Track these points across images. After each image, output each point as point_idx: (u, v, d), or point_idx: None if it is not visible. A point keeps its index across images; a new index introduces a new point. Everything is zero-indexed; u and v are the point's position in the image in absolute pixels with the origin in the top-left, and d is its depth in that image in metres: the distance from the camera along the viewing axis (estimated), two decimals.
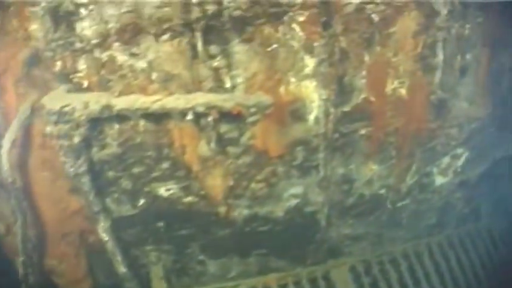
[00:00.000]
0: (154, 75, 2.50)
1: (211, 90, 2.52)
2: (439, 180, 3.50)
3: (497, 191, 4.19)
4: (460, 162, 3.51)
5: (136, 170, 2.76)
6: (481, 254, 3.99)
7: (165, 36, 2.43)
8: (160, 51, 2.45)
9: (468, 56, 3.12)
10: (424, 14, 2.71)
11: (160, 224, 3.05)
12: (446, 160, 3.42)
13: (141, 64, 2.47)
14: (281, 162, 2.89)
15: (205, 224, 3.09)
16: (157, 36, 2.42)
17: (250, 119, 2.50)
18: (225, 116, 2.56)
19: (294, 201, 3.11)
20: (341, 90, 2.70)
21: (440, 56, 2.91)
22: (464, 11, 2.95)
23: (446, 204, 3.75)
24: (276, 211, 3.13)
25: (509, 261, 4.12)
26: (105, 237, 2.94)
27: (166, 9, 2.37)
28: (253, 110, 2.47)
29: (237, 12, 2.42)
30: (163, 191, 2.87)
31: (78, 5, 2.35)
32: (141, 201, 2.90)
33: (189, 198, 2.93)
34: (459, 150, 3.43)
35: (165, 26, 2.39)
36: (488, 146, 3.68)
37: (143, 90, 2.52)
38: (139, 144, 2.67)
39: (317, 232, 3.34)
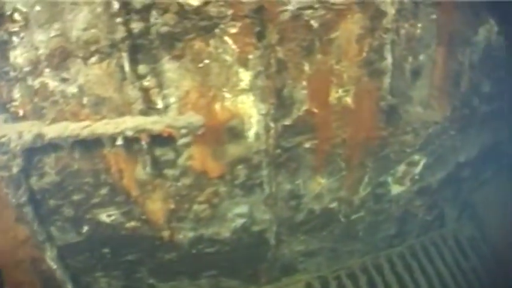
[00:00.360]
0: (85, 100, 2.68)
1: (142, 112, 2.70)
2: (396, 189, 3.76)
3: (462, 195, 4.49)
4: (418, 169, 3.76)
5: (76, 197, 2.96)
6: (449, 263, 4.29)
7: (94, 59, 2.60)
8: (90, 75, 2.62)
9: (421, 57, 3.32)
10: (369, 15, 2.85)
11: (106, 250, 3.27)
12: (401, 168, 3.67)
13: (72, 89, 2.65)
14: (222, 182, 3.10)
15: (151, 248, 3.32)
16: (85, 59, 2.59)
17: (182, 141, 2.69)
18: (158, 138, 2.75)
19: (240, 221, 3.34)
20: (281, 103, 2.86)
21: (388, 60, 3.06)
22: (415, 9, 3.15)
23: (406, 213, 4.02)
24: (222, 232, 3.36)
25: (479, 267, 4.43)
26: (53, 265, 3.16)
27: (93, 30, 2.54)
28: (184, 131, 2.64)
29: (165, 29, 2.58)
30: (104, 217, 3.09)
31: (11, 33, 2.52)
32: (85, 228, 3.11)
33: (132, 223, 3.15)
34: (416, 157, 3.68)
35: (93, 48, 2.56)
36: (449, 150, 3.94)
37: (75, 116, 2.70)
38: (77, 171, 2.87)
39: (268, 250, 3.59)
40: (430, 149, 3.73)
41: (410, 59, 3.25)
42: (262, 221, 3.36)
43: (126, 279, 3.47)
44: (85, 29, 2.53)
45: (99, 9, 2.49)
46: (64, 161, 2.81)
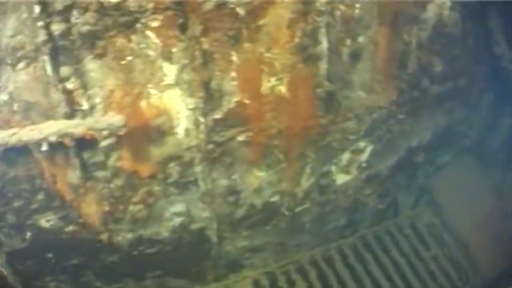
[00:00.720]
0: (15, 106, 3.00)
1: (66, 115, 3.00)
2: (341, 178, 4.14)
3: (418, 181, 4.89)
4: (364, 156, 4.15)
5: (16, 203, 3.31)
6: (406, 252, 4.67)
7: (21, 65, 2.92)
8: (19, 81, 2.95)
9: (361, 39, 3.56)
10: None
11: (50, 255, 3.64)
12: (346, 156, 4.04)
13: (3, 97, 2.99)
14: (155, 182, 3.43)
15: (92, 252, 3.67)
16: (13, 65, 2.92)
17: (104, 143, 2.96)
18: (84, 141, 3.04)
19: (178, 220, 3.69)
20: (209, 96, 3.15)
21: (324, 44, 3.33)
22: None
23: (355, 202, 4.41)
24: (161, 232, 3.71)
25: (441, 256, 4.79)
26: (4, 271, 3.54)
27: (19, 36, 2.86)
28: (105, 133, 2.87)
29: (86, 28, 2.88)
30: (44, 222, 3.43)
31: None
32: (28, 234, 3.47)
33: (71, 228, 3.49)
34: (361, 144, 4.06)
35: (20, 54, 2.89)
36: (398, 135, 4.32)
37: (7, 123, 3.00)
38: (14, 177, 3.20)
39: (210, 248, 3.96)
40: (376, 135, 4.10)
41: (348, 41, 3.49)
42: (201, 218, 3.71)
43: (73, 283, 3.84)
44: (12, 36, 2.86)
45: (24, 15, 2.81)
46: (1, 168, 3.14)
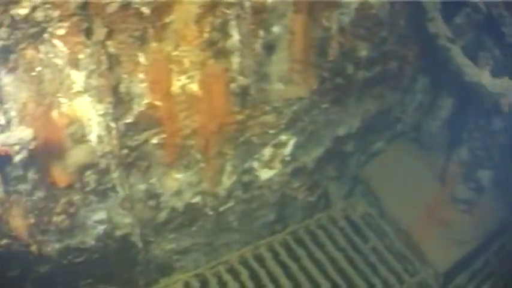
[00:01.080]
0: None
1: None
2: (265, 174, 4.72)
3: (349, 170, 5.49)
4: (288, 149, 4.72)
5: None
6: (342, 246, 5.13)
7: None
8: None
9: (275, 29, 3.90)
10: None
11: None
12: (268, 151, 4.61)
13: None
14: (74, 191, 3.88)
15: (27, 263, 4.06)
16: None
17: (18, 157, 3.16)
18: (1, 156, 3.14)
19: (101, 228, 4.22)
20: (119, 100, 3.49)
21: (235, 37, 3.67)
22: None
23: (283, 197, 4.99)
24: (87, 240, 4.22)
25: (381, 247, 5.29)
26: None
27: None
28: (17, 148, 3.12)
29: (0, 43, 2.98)
30: None
31: None
32: None
33: (4, 241, 3.84)
34: (283, 137, 4.62)
35: None
36: (323, 125, 4.86)
37: None
38: None
39: (138, 253, 4.54)
40: (299, 126, 4.66)
41: (261, 33, 3.84)
42: (124, 224, 4.26)
43: None
44: None
45: None
46: None
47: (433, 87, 5.54)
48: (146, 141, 3.87)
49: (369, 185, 5.52)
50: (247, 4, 3.60)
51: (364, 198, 5.56)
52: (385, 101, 5.36)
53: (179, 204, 4.40)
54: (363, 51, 4.67)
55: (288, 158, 4.77)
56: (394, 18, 4.68)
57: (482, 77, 4.23)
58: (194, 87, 3.78)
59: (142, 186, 4.10)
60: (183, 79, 3.71)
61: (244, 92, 4.05)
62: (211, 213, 4.63)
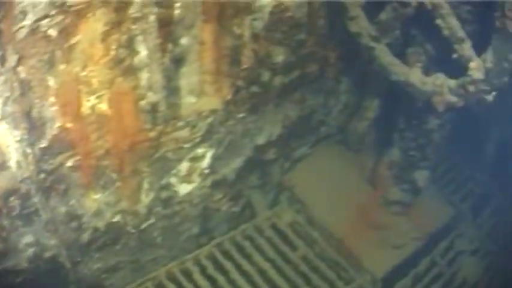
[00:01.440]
0: None
1: None
2: (184, 188, 5.39)
3: (272, 178, 6.17)
4: (205, 162, 5.37)
5: None
6: (270, 256, 5.60)
7: None
8: None
9: (184, 41, 4.29)
10: (113, 8, 3.57)
11: None
12: (185, 166, 5.24)
13: None
14: (2, 216, 4.18)
15: None
16: None
17: None
18: None
19: (31, 250, 4.72)
20: (32, 125, 3.80)
21: (142, 53, 4.01)
22: None
23: (206, 209, 5.64)
24: (21, 262, 4.67)
25: (312, 255, 5.69)
26: None
27: None
28: None
29: None
30: None
31: None
32: None
33: None
34: (199, 151, 5.23)
35: None
36: (241, 135, 5.40)
37: None
38: None
39: (67, 273, 5.16)
40: (215, 138, 5.26)
41: (169, 46, 4.22)
42: (50, 246, 4.78)
43: None
44: None
45: None
46: None
47: (358, 88, 6.11)
48: (61, 164, 4.30)
49: (294, 192, 6.05)
50: (152, 18, 3.94)
51: (290, 206, 6.10)
52: (307, 105, 5.92)
53: (100, 224, 4.94)
54: (280, 57, 5.14)
55: (206, 171, 5.38)
56: (313, 19, 5.11)
57: (411, 75, 4.54)
58: (104, 106, 4.18)
59: (62, 209, 4.59)
60: (92, 99, 4.08)
61: (154, 108, 4.51)
62: (133, 231, 5.19)
